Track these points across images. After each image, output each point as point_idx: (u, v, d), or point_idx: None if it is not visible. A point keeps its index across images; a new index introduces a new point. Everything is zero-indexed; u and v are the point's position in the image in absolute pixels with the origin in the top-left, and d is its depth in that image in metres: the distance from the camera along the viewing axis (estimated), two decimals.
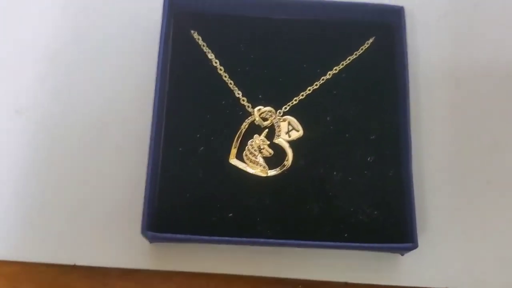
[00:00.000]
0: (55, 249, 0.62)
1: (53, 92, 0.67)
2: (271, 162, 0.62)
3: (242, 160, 0.62)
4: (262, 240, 0.57)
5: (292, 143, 0.63)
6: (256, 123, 0.63)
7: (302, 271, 0.62)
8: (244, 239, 0.57)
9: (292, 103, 0.64)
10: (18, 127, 0.66)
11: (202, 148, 0.63)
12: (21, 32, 0.70)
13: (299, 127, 0.63)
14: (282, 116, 0.63)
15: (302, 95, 0.65)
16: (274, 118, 0.63)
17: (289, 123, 0.63)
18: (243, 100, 0.64)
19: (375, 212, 0.60)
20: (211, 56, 0.66)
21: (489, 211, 0.64)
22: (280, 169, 0.61)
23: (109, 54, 0.69)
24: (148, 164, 0.59)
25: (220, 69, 0.65)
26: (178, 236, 0.57)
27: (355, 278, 0.61)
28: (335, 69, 0.66)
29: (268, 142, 0.63)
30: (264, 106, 0.63)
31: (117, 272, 0.61)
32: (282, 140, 0.63)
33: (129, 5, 0.71)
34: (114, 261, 0.61)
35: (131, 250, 0.61)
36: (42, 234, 0.62)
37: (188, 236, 0.57)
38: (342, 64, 0.66)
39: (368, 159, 0.63)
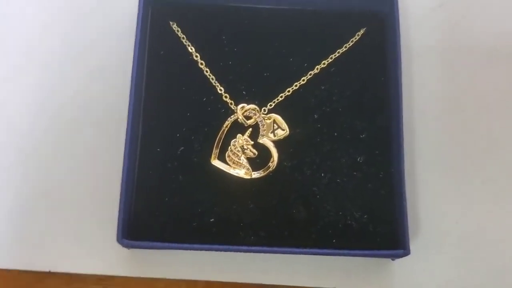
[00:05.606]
0: (30, 255, 0.61)
1: (25, 87, 0.66)
2: (255, 163, 0.60)
3: (224, 161, 0.60)
4: (245, 247, 0.56)
5: (277, 143, 0.60)
6: (240, 122, 0.61)
7: (288, 277, 0.60)
8: (226, 246, 0.55)
9: (277, 99, 0.62)
10: None
11: (181, 148, 0.60)
12: None
13: (285, 126, 0.61)
14: (267, 114, 0.61)
15: (289, 91, 0.62)
16: (258, 117, 0.60)
17: (274, 122, 0.61)
18: (226, 97, 0.61)
19: (365, 217, 0.59)
20: (191, 49, 0.63)
21: (484, 215, 0.62)
22: (265, 171, 0.59)
23: (82, 49, 0.67)
24: (124, 166, 0.57)
25: (201, 63, 0.63)
26: (156, 244, 0.56)
27: (344, 284, 0.60)
28: (324, 63, 0.63)
29: (252, 142, 0.60)
30: (248, 104, 0.61)
31: (94, 279, 0.61)
32: (267, 139, 0.60)
33: None
34: (92, 267, 0.61)
35: (108, 256, 0.61)
36: (16, 240, 0.61)
37: (167, 244, 0.56)
38: (331, 58, 0.63)
39: (358, 159, 0.60)
